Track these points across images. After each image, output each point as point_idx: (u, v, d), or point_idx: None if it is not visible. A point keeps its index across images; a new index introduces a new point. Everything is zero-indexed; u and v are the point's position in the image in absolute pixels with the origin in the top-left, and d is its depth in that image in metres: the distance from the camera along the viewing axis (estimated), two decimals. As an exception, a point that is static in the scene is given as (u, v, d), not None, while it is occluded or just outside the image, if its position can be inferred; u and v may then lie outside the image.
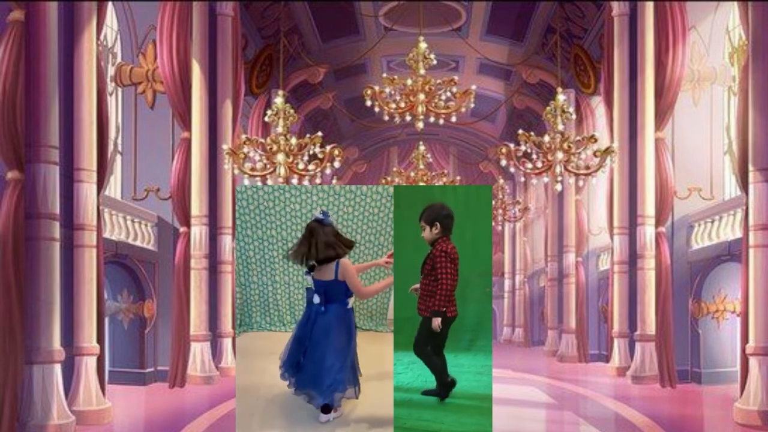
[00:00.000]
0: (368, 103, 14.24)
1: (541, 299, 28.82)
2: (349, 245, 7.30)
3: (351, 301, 7.39)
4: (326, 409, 7.24)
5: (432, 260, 7.69)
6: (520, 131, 13.51)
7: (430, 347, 7.86)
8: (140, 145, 16.13)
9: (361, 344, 7.69)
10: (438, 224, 7.68)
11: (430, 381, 8.14)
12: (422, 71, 14.04)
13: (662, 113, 15.44)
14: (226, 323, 16.84)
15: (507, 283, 34.83)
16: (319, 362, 7.17)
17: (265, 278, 11.45)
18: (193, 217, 15.61)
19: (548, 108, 13.53)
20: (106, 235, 13.08)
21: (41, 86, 9.55)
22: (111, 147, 13.43)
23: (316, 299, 7.28)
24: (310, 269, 7.26)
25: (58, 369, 9.68)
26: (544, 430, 11.62)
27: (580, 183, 15.15)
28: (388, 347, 8.89)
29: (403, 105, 14.10)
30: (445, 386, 7.94)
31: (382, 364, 8.53)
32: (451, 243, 7.73)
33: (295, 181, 14.29)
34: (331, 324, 7.24)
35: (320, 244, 7.08)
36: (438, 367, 7.95)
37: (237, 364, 9.73)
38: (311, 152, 14.04)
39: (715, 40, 16.44)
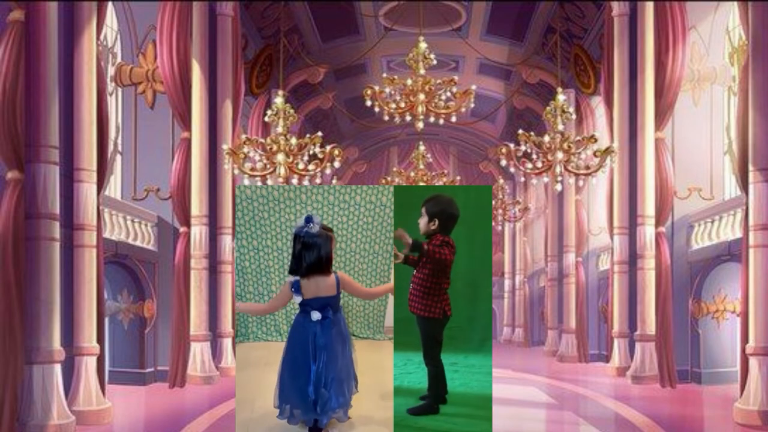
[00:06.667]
0: (368, 103, 14.24)
1: (541, 299, 28.81)
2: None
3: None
4: (315, 429, 6.98)
5: (431, 252, 7.30)
6: (520, 131, 13.50)
7: (431, 352, 7.59)
8: (140, 145, 16.13)
9: (358, 353, 7.50)
10: (437, 221, 7.33)
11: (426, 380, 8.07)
12: (422, 71, 14.04)
13: (662, 113, 15.44)
14: (226, 323, 16.84)
15: (507, 283, 34.82)
16: (338, 373, 6.86)
17: (261, 288, 11.42)
18: (193, 217, 15.62)
19: (548, 108, 13.53)
20: (106, 235, 13.08)
21: (41, 86, 9.54)
22: (111, 147, 13.43)
23: (316, 316, 6.87)
24: (297, 288, 6.86)
25: (58, 369, 9.67)
26: (544, 430, 11.61)
27: (580, 183, 15.15)
28: (387, 356, 8.87)
29: (403, 105, 14.10)
30: (439, 397, 7.69)
31: (381, 372, 8.47)
32: (451, 238, 7.44)
33: (295, 181, 14.29)
34: (344, 329, 6.96)
35: (324, 255, 6.73)
36: (443, 374, 7.73)
37: (236, 376, 9.72)
38: (311, 152, 14.03)
39: (715, 40, 16.44)
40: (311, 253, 6.74)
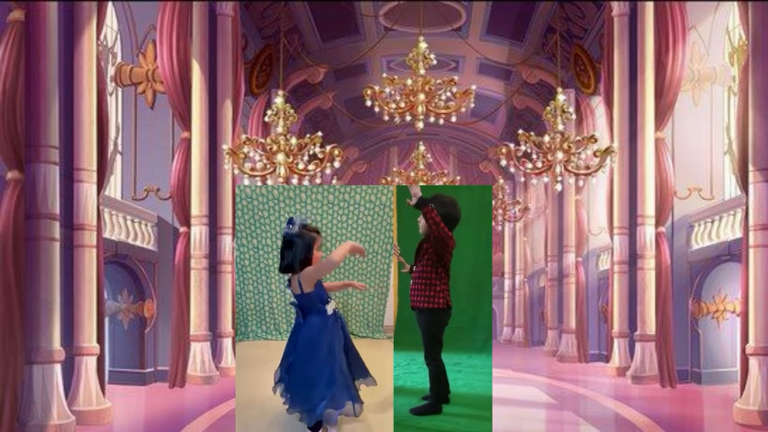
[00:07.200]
0: (368, 103, 14.24)
1: (541, 299, 28.81)
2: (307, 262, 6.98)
3: (330, 307, 7.15)
4: (315, 427, 7.00)
5: (433, 245, 7.36)
6: (520, 131, 13.50)
7: (432, 352, 7.57)
8: (140, 145, 16.13)
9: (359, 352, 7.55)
10: None
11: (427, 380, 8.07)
12: (422, 71, 14.03)
13: (662, 113, 15.44)
14: (226, 323, 16.84)
15: (507, 283, 34.82)
16: (302, 377, 6.99)
17: (261, 286, 11.43)
18: (193, 217, 15.61)
19: (548, 108, 13.53)
20: (106, 235, 13.08)
21: (41, 86, 9.54)
22: (111, 147, 13.42)
23: (297, 312, 7.14)
24: (288, 283, 7.09)
25: (58, 369, 9.67)
26: (544, 430, 11.61)
27: (580, 183, 15.14)
28: (387, 354, 8.86)
29: (403, 105, 14.09)
30: (441, 397, 7.69)
31: (380, 372, 8.47)
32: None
33: (295, 181, 14.29)
34: (312, 336, 7.03)
35: (298, 254, 6.90)
36: (444, 374, 7.71)
37: (236, 374, 9.73)
38: (311, 152, 14.03)
39: (715, 40, 16.44)
40: (289, 252, 6.95)
